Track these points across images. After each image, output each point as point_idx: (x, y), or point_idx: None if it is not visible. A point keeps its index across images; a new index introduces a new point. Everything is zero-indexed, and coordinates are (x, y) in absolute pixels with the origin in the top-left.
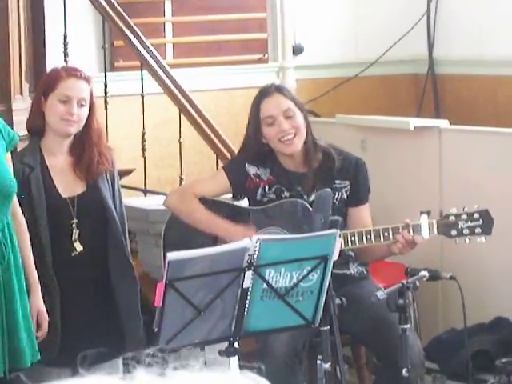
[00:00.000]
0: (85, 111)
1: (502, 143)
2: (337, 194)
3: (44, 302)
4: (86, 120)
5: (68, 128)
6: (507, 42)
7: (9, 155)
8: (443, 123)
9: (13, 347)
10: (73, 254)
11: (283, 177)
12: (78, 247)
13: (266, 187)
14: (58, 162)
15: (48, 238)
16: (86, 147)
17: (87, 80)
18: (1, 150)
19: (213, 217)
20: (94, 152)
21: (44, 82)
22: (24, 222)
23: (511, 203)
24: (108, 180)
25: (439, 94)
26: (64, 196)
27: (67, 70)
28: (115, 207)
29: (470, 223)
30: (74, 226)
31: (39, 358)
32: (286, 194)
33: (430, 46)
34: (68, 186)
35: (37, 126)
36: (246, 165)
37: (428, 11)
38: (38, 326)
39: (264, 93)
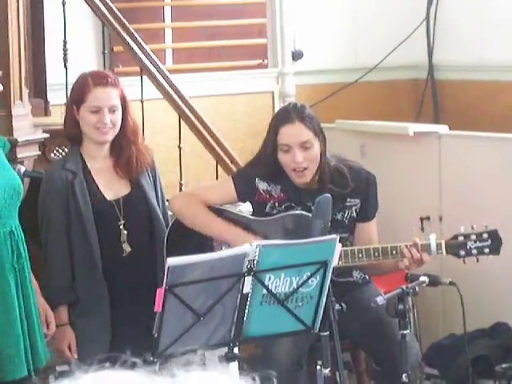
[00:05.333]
0: (118, 116)
1: (501, 148)
2: (347, 212)
3: (94, 305)
4: (121, 120)
5: (103, 136)
6: (506, 47)
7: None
8: (443, 129)
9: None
10: (123, 255)
11: (294, 194)
12: (127, 248)
13: (276, 204)
14: (100, 165)
15: (97, 241)
16: (124, 146)
17: (115, 84)
18: (2, 155)
19: (218, 221)
20: (132, 150)
21: (74, 92)
22: None
23: (511, 209)
24: (150, 177)
25: (438, 99)
26: (109, 199)
27: (94, 79)
28: (159, 205)
29: (478, 243)
30: (121, 227)
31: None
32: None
33: (430, 52)
34: (112, 188)
35: (74, 134)
36: (257, 180)
37: (427, 17)
38: (47, 325)
39: (285, 118)
